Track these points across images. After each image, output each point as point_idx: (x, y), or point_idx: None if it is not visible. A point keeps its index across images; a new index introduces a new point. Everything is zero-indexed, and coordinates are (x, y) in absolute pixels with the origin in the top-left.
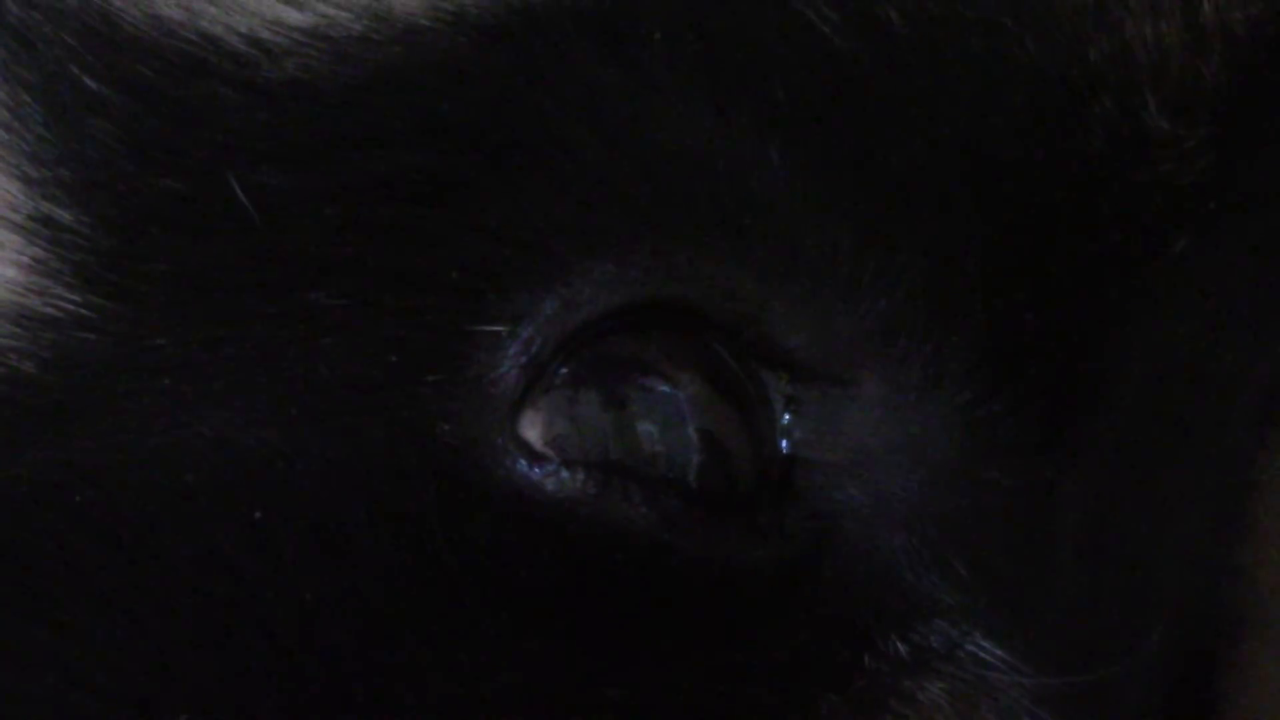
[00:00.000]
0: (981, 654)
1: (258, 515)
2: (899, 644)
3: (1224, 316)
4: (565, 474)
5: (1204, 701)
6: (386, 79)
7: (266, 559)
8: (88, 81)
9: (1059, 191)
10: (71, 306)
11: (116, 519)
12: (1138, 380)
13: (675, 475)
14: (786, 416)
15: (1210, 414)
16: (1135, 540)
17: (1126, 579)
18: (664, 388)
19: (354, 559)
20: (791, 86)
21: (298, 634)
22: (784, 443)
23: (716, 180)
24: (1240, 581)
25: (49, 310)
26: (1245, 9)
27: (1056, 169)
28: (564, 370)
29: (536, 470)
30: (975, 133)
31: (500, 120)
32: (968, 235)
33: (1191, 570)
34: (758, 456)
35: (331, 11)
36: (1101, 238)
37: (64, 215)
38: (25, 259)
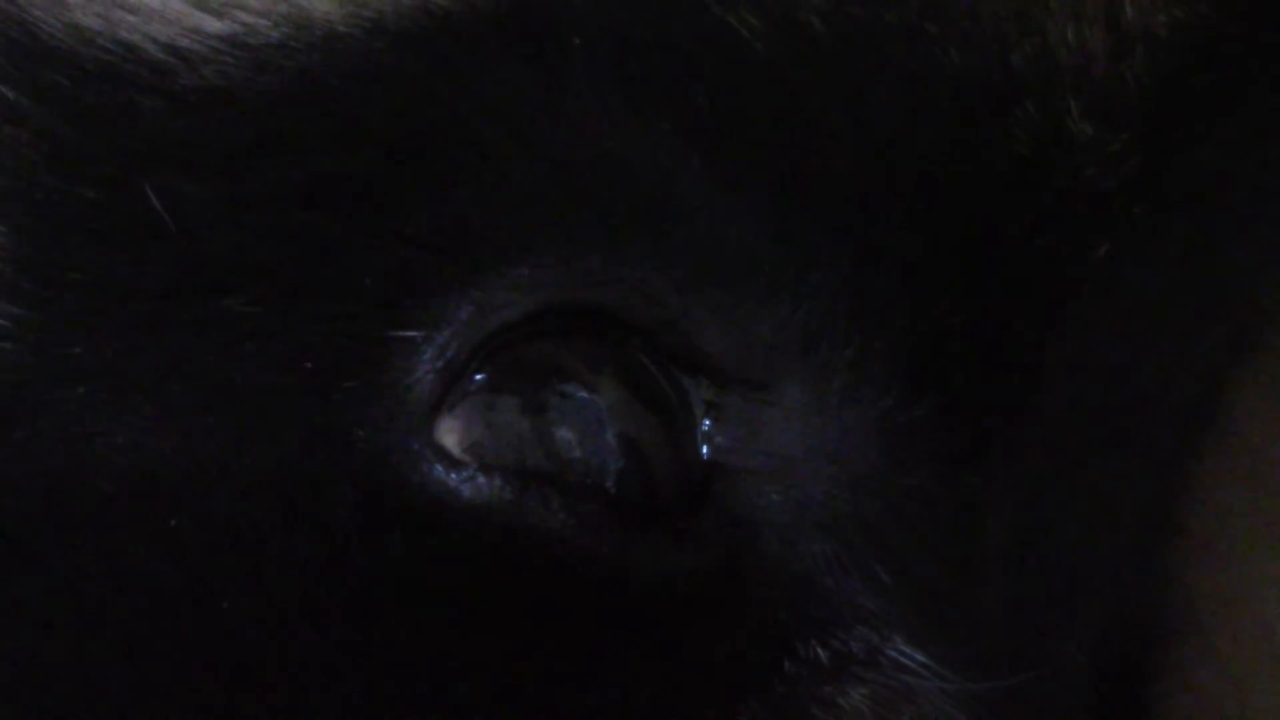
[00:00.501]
0: (903, 659)
1: (173, 523)
2: (820, 650)
3: (1149, 320)
4: (482, 480)
5: (1135, 707)
6: (304, 86)
7: (182, 567)
8: (5, 90)
9: (983, 196)
10: None
11: (32, 527)
12: (1063, 385)
13: (593, 481)
14: (707, 422)
15: (1137, 419)
16: (1062, 546)
17: (1052, 585)
18: (582, 394)
19: (270, 566)
20: (712, 92)
21: (214, 642)
22: (705, 449)
23: (636, 185)
24: (1171, 587)
25: None
26: (1168, 12)
27: (980, 174)
28: (481, 376)
29: (453, 476)
30: (898, 138)
31: (417, 126)
32: (890, 241)
33: (1121, 576)
34: (678, 462)
35: (250, 19)
36: (1025, 242)
37: None
38: None
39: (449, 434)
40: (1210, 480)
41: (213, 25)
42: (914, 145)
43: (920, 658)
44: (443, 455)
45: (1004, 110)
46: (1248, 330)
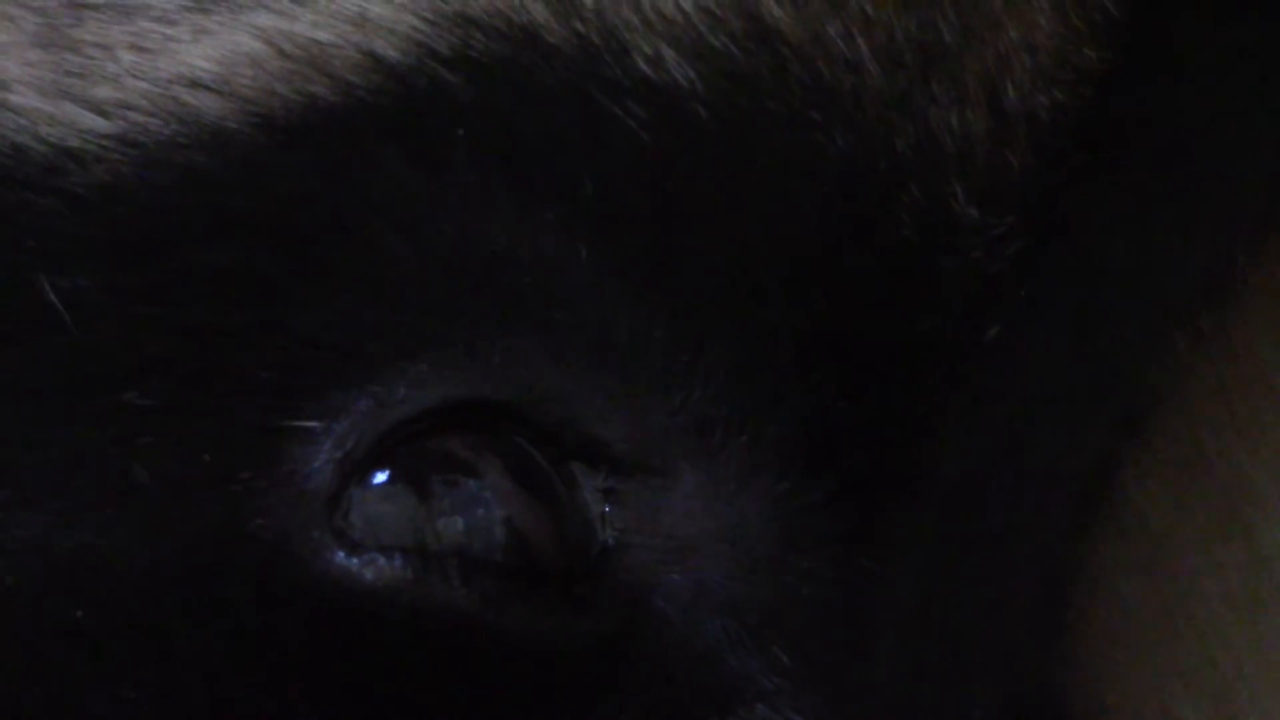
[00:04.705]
0: None
1: (78, 615)
2: None
3: (1038, 403)
4: (382, 561)
5: None
6: (193, 181)
7: (87, 659)
8: None
9: (870, 281)
10: None
11: None
12: (954, 468)
13: (489, 561)
14: (606, 508)
15: (1029, 500)
16: (956, 629)
17: (947, 667)
18: (473, 483)
19: (174, 657)
20: (599, 182)
21: None
22: (603, 531)
23: (525, 278)
24: (1071, 673)
25: None
26: (1049, 94)
27: (867, 259)
28: (378, 464)
29: (354, 561)
30: (785, 224)
31: (304, 221)
32: (780, 326)
33: (1018, 660)
34: (567, 547)
35: (140, 119)
36: (913, 326)
37: None
38: None
39: (347, 520)
40: (1112, 568)
41: (102, 125)
42: (801, 231)
43: None
44: (343, 541)
45: (889, 195)
46: (1138, 411)
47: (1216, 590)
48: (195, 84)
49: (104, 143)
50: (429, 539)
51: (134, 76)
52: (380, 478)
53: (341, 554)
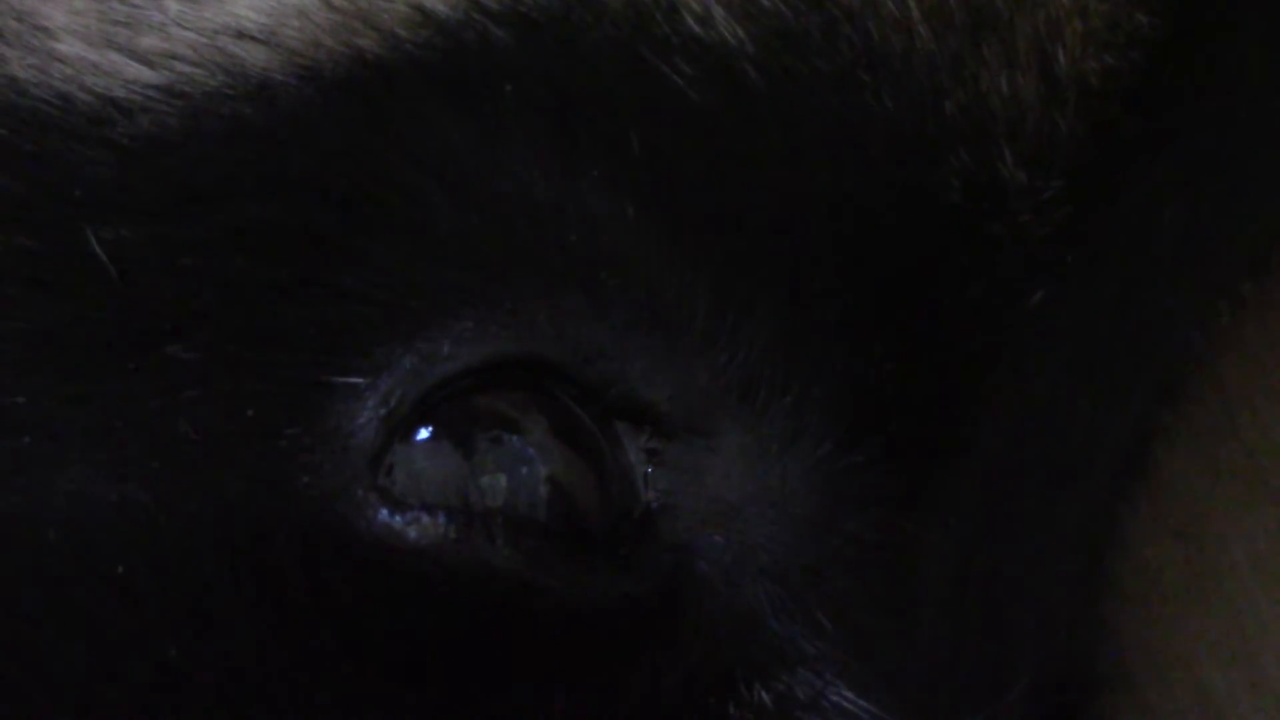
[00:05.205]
0: (845, 704)
1: (121, 570)
2: (764, 692)
3: (1081, 368)
4: (426, 519)
5: None
6: (239, 133)
7: (130, 615)
8: None
9: (917, 244)
10: None
11: None
12: (997, 432)
13: (535, 519)
14: (650, 468)
15: (1070, 466)
16: (997, 593)
17: (989, 631)
18: (517, 440)
19: (218, 613)
20: (646, 140)
21: (162, 690)
22: (646, 492)
23: (571, 235)
24: (1102, 635)
25: None
26: (1099, 60)
27: (914, 221)
28: (422, 421)
29: (398, 519)
30: (832, 185)
31: (349, 175)
32: (825, 287)
33: (1054, 624)
34: (611, 507)
35: (185, 69)
36: (959, 289)
37: None
38: None
39: (392, 477)
40: (1142, 534)
41: (148, 75)
42: (848, 192)
43: (862, 703)
44: (387, 498)
45: (938, 158)
46: (1178, 379)
47: (1246, 557)
48: (241, 35)
49: (149, 93)
50: (473, 497)
51: (180, 26)
52: (424, 435)
53: (385, 511)
